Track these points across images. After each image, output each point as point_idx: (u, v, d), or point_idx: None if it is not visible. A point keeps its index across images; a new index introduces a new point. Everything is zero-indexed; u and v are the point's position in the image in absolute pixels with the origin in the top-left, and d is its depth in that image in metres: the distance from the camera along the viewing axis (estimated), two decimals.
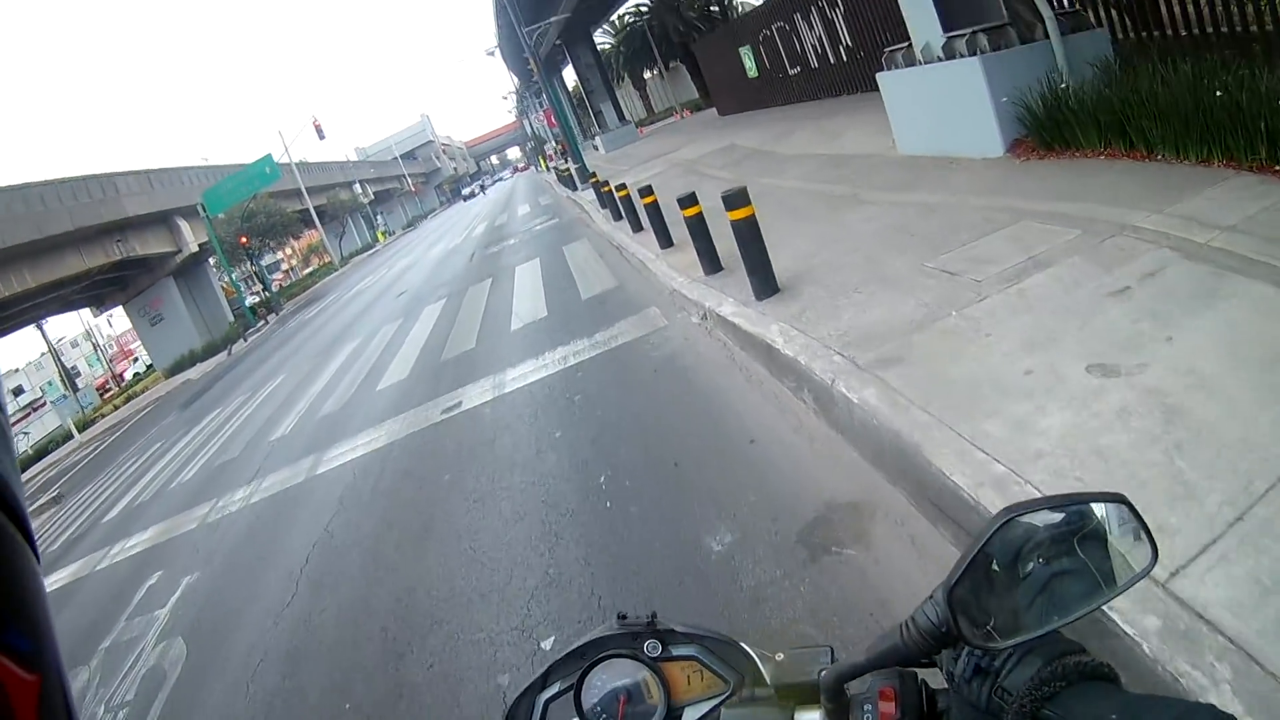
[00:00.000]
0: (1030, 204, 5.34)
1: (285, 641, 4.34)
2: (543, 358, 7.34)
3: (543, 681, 1.03)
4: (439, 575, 4.23)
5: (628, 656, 0.99)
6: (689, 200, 6.82)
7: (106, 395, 39.02)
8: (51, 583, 8.18)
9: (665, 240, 9.05)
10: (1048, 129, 6.32)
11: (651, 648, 0.99)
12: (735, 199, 5.48)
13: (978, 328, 3.90)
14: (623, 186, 11.85)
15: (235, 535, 6.70)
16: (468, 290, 13.44)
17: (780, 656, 0.91)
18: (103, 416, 30.05)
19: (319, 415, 9.51)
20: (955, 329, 4.00)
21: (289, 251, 63.42)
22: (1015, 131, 6.85)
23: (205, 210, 31.66)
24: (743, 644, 0.99)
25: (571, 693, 1.00)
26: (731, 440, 4.28)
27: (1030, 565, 0.62)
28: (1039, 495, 0.88)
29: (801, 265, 6.12)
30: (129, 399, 31.84)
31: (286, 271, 46.85)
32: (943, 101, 7.51)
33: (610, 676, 1.00)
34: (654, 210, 9.06)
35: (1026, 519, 0.62)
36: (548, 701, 1.03)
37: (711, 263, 7.06)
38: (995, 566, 0.62)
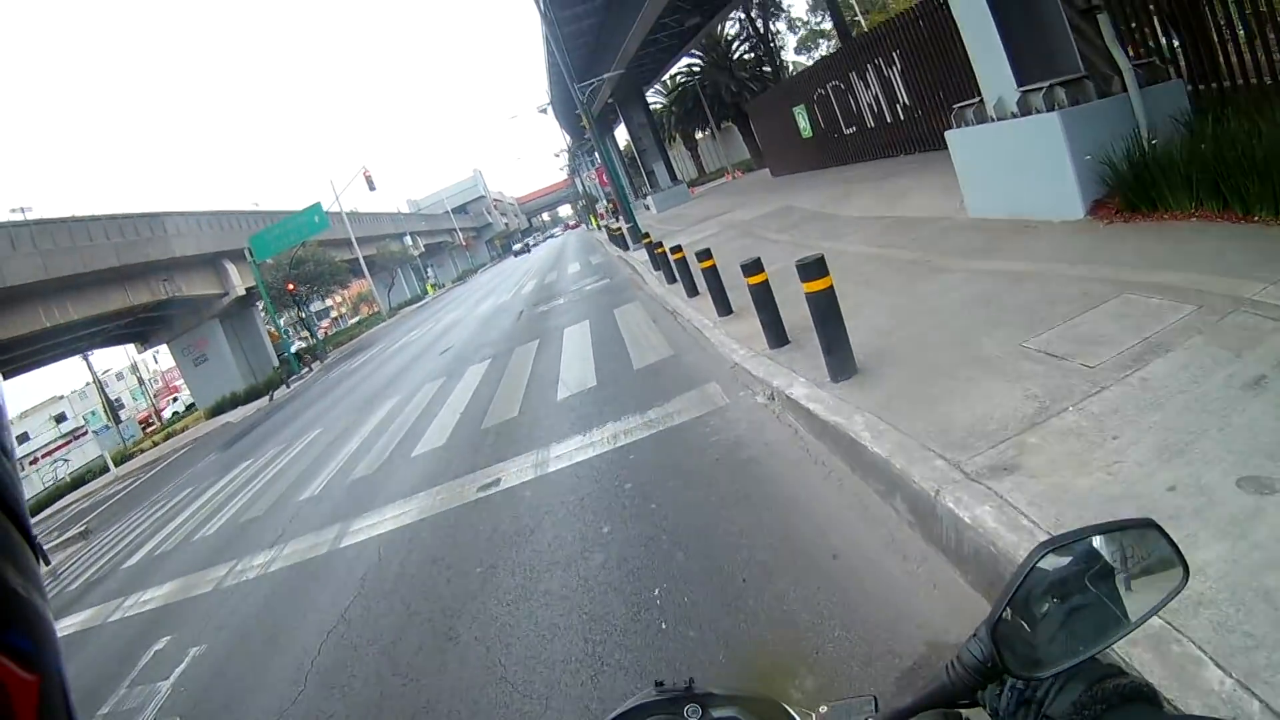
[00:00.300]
0: (1128, 274, 4.78)
1: None
2: (590, 434, 6.82)
3: None
4: (462, 695, 3.66)
5: None
6: (754, 267, 6.35)
7: (148, 430, 39.37)
8: (63, 628, 7.81)
9: (724, 307, 8.59)
10: (1134, 189, 5.76)
11: (691, 711, 0.96)
12: (811, 269, 4.92)
13: (1101, 428, 3.33)
14: (678, 249, 11.48)
15: (249, 607, 6.22)
16: (513, 351, 13.07)
17: (824, 709, 0.89)
18: (141, 451, 30.27)
19: (350, 479, 9.08)
20: (1075, 428, 3.41)
21: (338, 299, 64.48)
22: (1096, 192, 6.30)
23: (252, 255, 32.08)
24: (783, 703, 0.98)
25: None
26: (809, 553, 3.68)
27: (1066, 597, 0.62)
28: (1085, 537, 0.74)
29: (880, 342, 5.57)
30: (168, 436, 32.06)
31: (334, 319, 47.31)
32: (1017, 160, 6.98)
33: None
34: (712, 275, 8.62)
35: (1064, 551, 0.63)
36: None
37: (777, 335, 6.54)
38: (1035, 599, 0.62)
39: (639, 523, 4.69)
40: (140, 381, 49.98)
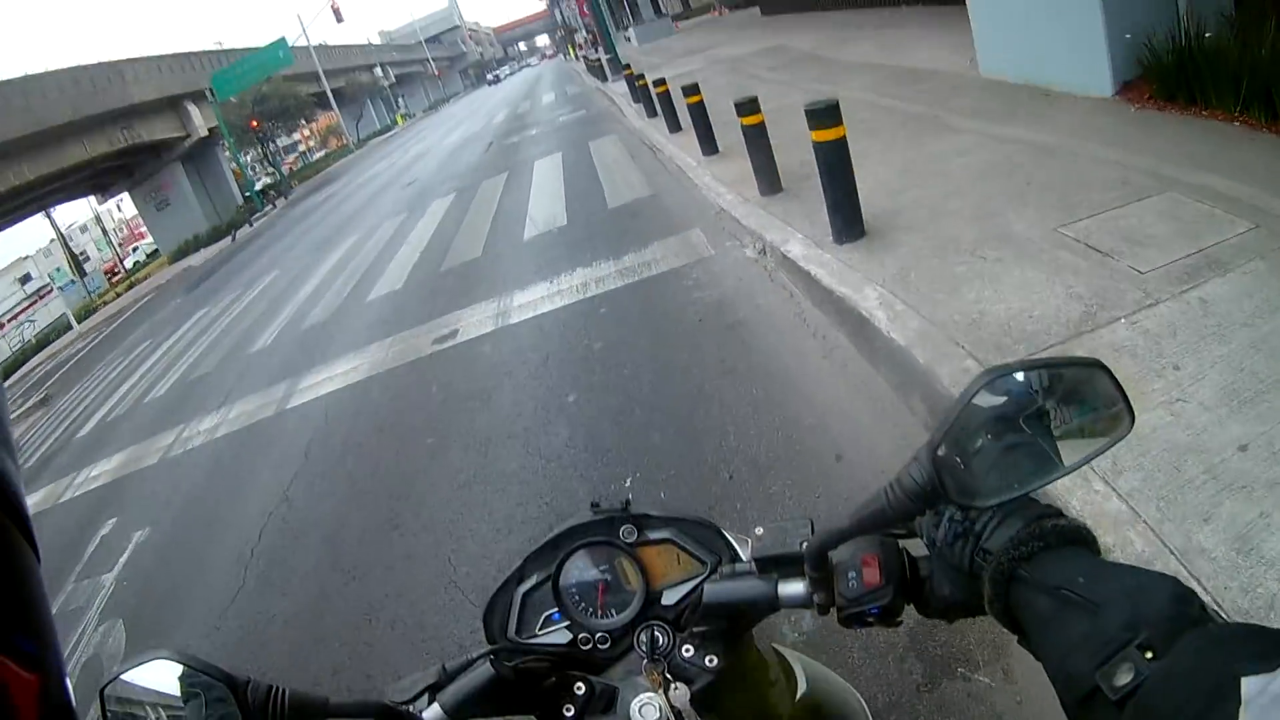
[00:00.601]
0: (1172, 170, 3.98)
1: (225, 657, 3.32)
2: (557, 281, 6.08)
3: (519, 574, 1.01)
4: (407, 600, 3.16)
5: (604, 544, 0.97)
6: (749, 106, 5.45)
7: (114, 279, 38.19)
8: None
9: (709, 146, 7.60)
10: (1173, 77, 5.00)
11: (627, 533, 0.96)
12: (822, 115, 4.07)
13: (1159, 352, 2.69)
14: (661, 81, 10.20)
15: (193, 482, 5.70)
16: (480, 185, 12.03)
17: (759, 531, 0.85)
18: (105, 304, 29.22)
19: (303, 326, 8.42)
20: (1129, 346, 2.77)
21: (306, 133, 61.48)
22: (1128, 72, 5.47)
23: (214, 95, 30.40)
24: (719, 527, 0.97)
25: (549, 583, 0.98)
26: (808, 449, 3.06)
27: (1008, 431, 0.60)
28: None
29: (889, 203, 4.73)
30: (131, 286, 30.99)
31: (299, 155, 44.98)
32: (1045, 20, 5.99)
33: (587, 564, 0.98)
34: (698, 111, 7.55)
35: (1008, 381, 0.60)
36: (525, 594, 1.01)
37: (770, 181, 5.68)
38: (976, 430, 0.59)
39: (609, 392, 4.05)
40: (104, 232, 47.86)
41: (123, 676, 0.67)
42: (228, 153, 35.81)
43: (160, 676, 0.68)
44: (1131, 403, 0.60)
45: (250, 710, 0.69)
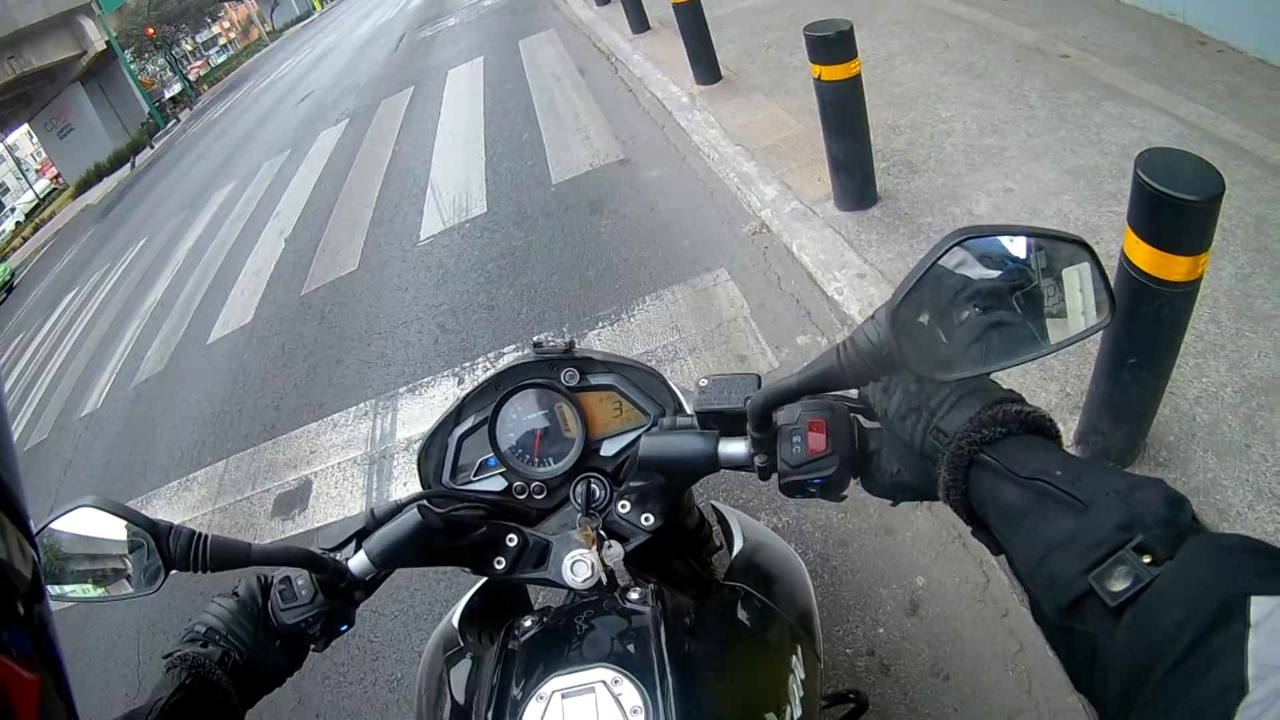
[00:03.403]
0: None
1: None
2: (470, 367, 3.38)
3: (456, 416, 1.00)
4: None
5: (544, 386, 0.96)
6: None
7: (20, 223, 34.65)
8: None
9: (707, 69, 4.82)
10: None
11: (569, 376, 0.96)
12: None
13: None
14: None
15: None
16: (378, 109, 8.85)
17: (704, 382, 0.80)
18: (12, 250, 25.87)
19: (132, 384, 5.72)
20: None
21: (227, 25, 55.64)
22: None
23: (100, 6, 27.45)
24: (664, 375, 0.96)
25: (486, 427, 0.96)
26: None
27: (978, 301, 0.54)
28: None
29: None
30: (37, 228, 27.63)
31: (223, 46, 40.20)
32: None
33: (526, 408, 0.97)
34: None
35: (981, 244, 0.53)
36: (462, 437, 1.00)
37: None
38: (943, 293, 0.53)
39: None
40: (17, 163, 43.02)
41: (51, 526, 0.70)
42: (135, 61, 32.56)
43: (86, 524, 0.71)
44: (1112, 289, 0.54)
45: (171, 556, 0.72)
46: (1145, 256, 1.57)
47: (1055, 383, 2.26)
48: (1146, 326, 1.69)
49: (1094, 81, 3.49)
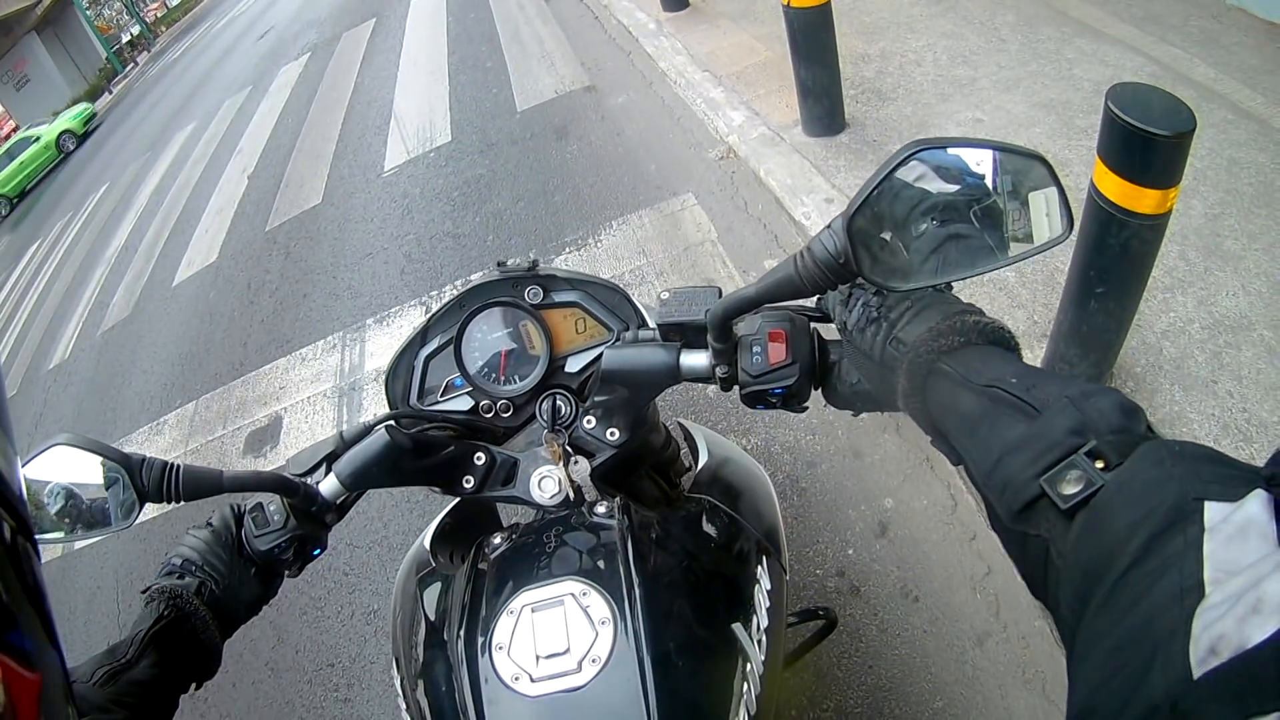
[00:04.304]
0: None
1: None
2: (439, 293, 3.35)
3: (422, 337, 1.00)
4: None
5: (509, 305, 0.96)
6: None
7: None
8: None
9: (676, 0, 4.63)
10: None
11: (533, 295, 0.96)
12: None
13: None
14: None
15: None
16: (340, 42, 8.54)
17: (665, 295, 0.80)
18: None
19: (99, 331, 5.59)
20: None
21: None
22: None
23: None
24: (627, 291, 0.97)
25: (452, 348, 0.96)
26: None
27: (934, 212, 0.53)
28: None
29: None
30: None
31: (161, 2, 38.39)
32: None
33: (491, 327, 0.97)
34: None
35: (937, 156, 0.52)
36: (428, 358, 1.00)
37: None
38: (899, 204, 0.53)
39: None
40: None
41: (24, 469, 0.67)
42: (90, 5, 30.87)
43: (60, 462, 0.70)
44: (1070, 205, 0.53)
45: (146, 488, 0.70)
46: (1114, 188, 1.56)
47: (1023, 310, 2.24)
48: (1115, 257, 1.67)
49: (1066, 18, 3.39)
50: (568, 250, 3.30)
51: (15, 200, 14.81)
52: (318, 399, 3.27)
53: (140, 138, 11.57)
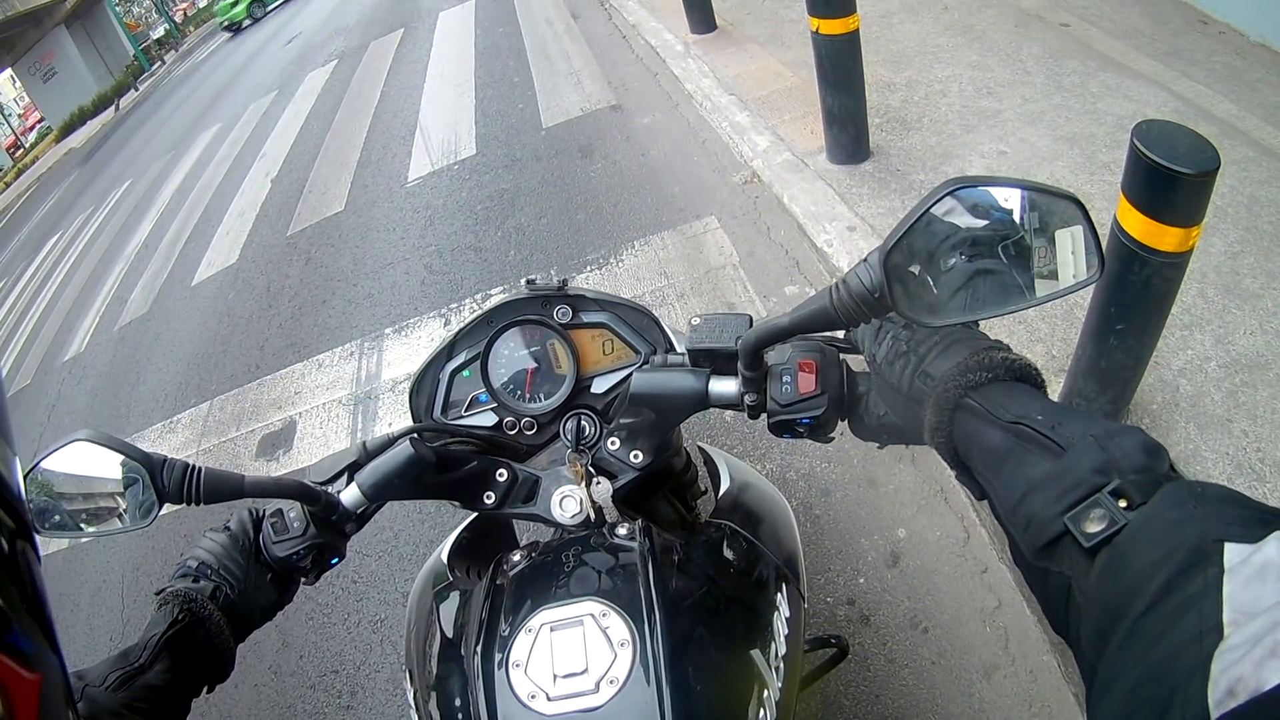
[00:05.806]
0: None
1: None
2: (456, 307, 3.36)
3: (449, 351, 1.00)
4: None
5: (537, 323, 0.96)
6: None
7: (17, 155, 34.01)
8: None
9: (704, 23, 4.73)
10: None
11: (562, 314, 0.96)
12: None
13: None
14: None
15: None
16: (367, 50, 8.66)
17: (696, 321, 0.81)
18: None
19: (117, 325, 5.62)
20: None
21: None
22: None
23: None
24: (655, 315, 0.97)
25: (478, 363, 0.96)
26: None
27: (968, 249, 0.54)
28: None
29: None
30: (19, 173, 27.17)
31: (191, 2, 38.87)
32: None
33: (518, 345, 0.97)
34: None
35: (974, 194, 0.53)
36: (454, 373, 1.00)
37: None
38: (934, 240, 0.53)
39: None
40: None
41: (43, 464, 0.68)
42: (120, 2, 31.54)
43: (80, 459, 0.69)
44: (1102, 246, 0.54)
45: (166, 489, 0.70)
46: (1137, 225, 1.56)
47: (1041, 344, 2.25)
48: (1135, 293, 1.67)
49: (1092, 51, 3.42)
50: (589, 269, 3.33)
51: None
52: (333, 406, 3.28)
53: (165, 136, 11.67)
